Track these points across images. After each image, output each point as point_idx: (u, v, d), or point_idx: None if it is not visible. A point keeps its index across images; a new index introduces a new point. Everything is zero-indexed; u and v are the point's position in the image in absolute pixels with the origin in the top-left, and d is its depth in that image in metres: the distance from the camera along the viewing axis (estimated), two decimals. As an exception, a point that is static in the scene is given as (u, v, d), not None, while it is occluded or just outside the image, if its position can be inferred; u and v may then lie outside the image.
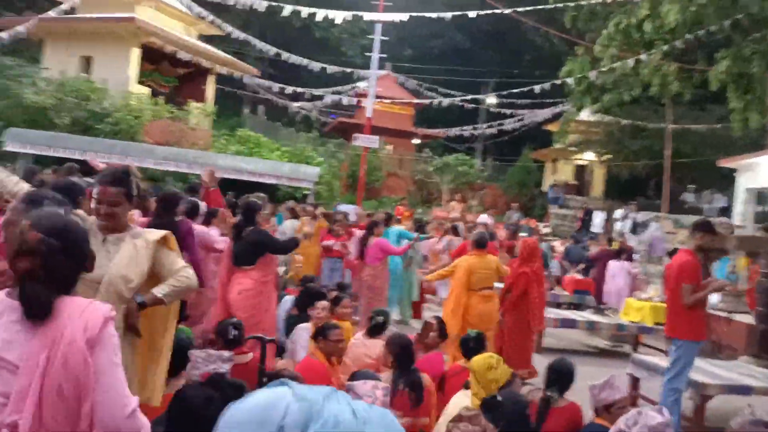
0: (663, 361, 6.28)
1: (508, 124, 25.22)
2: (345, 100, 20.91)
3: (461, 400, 3.53)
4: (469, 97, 23.19)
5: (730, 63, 14.22)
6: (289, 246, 5.89)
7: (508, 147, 30.48)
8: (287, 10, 17.67)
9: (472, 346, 4.60)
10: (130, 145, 13.77)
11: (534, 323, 6.58)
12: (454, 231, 12.38)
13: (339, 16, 17.37)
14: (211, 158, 13.99)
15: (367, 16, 17.76)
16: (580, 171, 28.21)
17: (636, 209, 17.85)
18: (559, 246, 15.17)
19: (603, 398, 3.69)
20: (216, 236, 5.79)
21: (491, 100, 31.74)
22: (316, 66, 20.80)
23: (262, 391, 1.67)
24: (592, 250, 13.32)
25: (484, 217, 17.33)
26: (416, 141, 30.06)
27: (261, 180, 13.30)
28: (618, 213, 17.55)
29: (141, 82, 18.75)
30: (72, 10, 16.37)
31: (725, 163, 14.68)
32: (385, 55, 22.52)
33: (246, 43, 20.29)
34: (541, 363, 6.97)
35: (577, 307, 11.67)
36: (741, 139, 17.69)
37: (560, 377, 4.11)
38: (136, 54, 18.02)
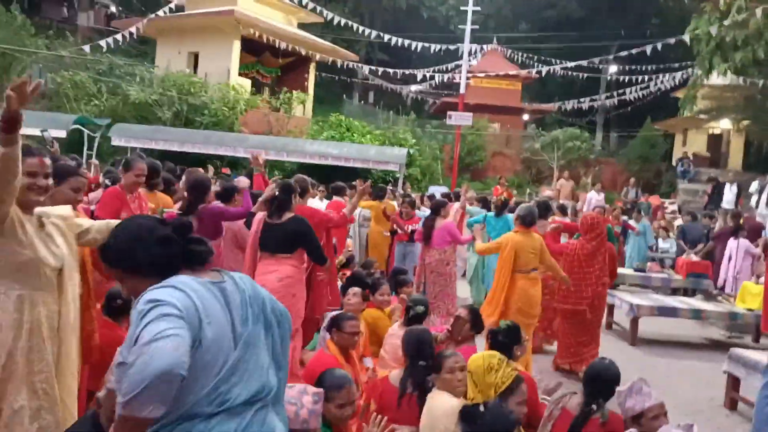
0: (769, 358, 5.24)
1: (631, 94, 23.32)
2: (436, 79, 20.22)
3: (447, 401, 2.95)
4: (575, 64, 21.54)
5: None
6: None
7: (631, 119, 28.18)
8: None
9: (501, 339, 3.96)
10: (225, 136, 14.15)
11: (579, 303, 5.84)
12: (562, 211, 11.48)
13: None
14: (299, 145, 14.07)
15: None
16: (715, 141, 25.44)
17: (774, 181, 15.62)
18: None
19: (630, 407, 2.98)
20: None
21: (612, 68, 29.60)
22: (418, 45, 20.38)
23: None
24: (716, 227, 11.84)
25: (592, 195, 16.01)
26: (526, 117, 28.63)
27: (347, 164, 13.11)
28: (754, 186, 15.44)
29: (244, 74, 19.30)
30: (179, 9, 17.17)
31: None
32: (489, 31, 21.52)
33: (350, 29, 20.26)
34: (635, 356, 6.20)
35: (692, 292, 10.40)
36: None
37: (602, 384, 3.40)
38: (236, 46, 18.56)
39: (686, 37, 15.49)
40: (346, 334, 4.11)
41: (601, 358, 3.61)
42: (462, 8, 18.67)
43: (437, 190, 13.27)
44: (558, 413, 3.49)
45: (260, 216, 5.00)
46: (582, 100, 24.91)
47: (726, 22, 14.44)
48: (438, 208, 7.69)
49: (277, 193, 4.92)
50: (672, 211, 18.86)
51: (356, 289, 5.14)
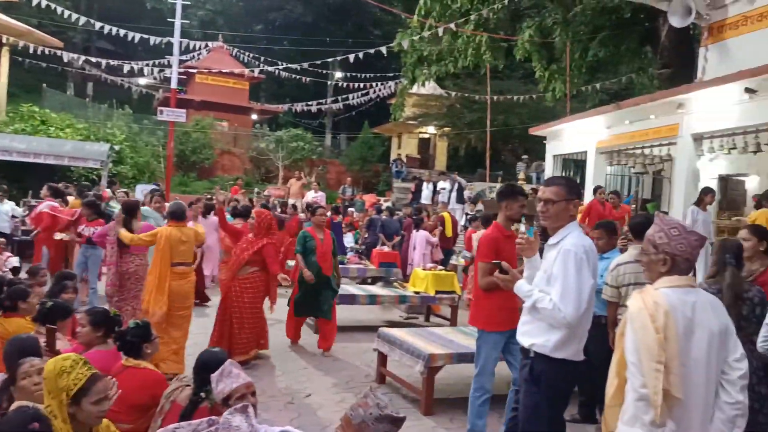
0: (408, 335, 5.98)
1: (354, 99, 24.83)
2: (164, 74, 19.27)
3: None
4: (297, 66, 22.30)
5: (532, 32, 14.51)
6: None
7: (358, 122, 30.20)
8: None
9: (130, 338, 3.86)
10: None
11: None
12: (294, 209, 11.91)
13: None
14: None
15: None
16: (424, 144, 28.48)
17: (461, 180, 18.05)
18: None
19: (221, 390, 3.12)
20: None
21: (338, 74, 31.30)
22: (135, 36, 19.10)
23: None
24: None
25: (311, 193, 16.75)
26: (255, 117, 28.84)
27: (37, 161, 11.75)
28: (442, 184, 17.64)
29: None
30: None
31: (535, 131, 15.06)
32: (218, 28, 20.98)
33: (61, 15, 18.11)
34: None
35: (383, 280, 11.44)
36: (557, 108, 18.45)
37: (209, 372, 3.50)
38: None
39: (383, 49, 16.88)
40: None
41: (210, 349, 3.73)
42: (183, 2, 18.05)
43: (145, 189, 12.60)
44: (169, 406, 3.53)
45: None
46: (310, 103, 25.91)
47: (416, 38, 16.06)
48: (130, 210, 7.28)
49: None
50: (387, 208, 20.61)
51: None
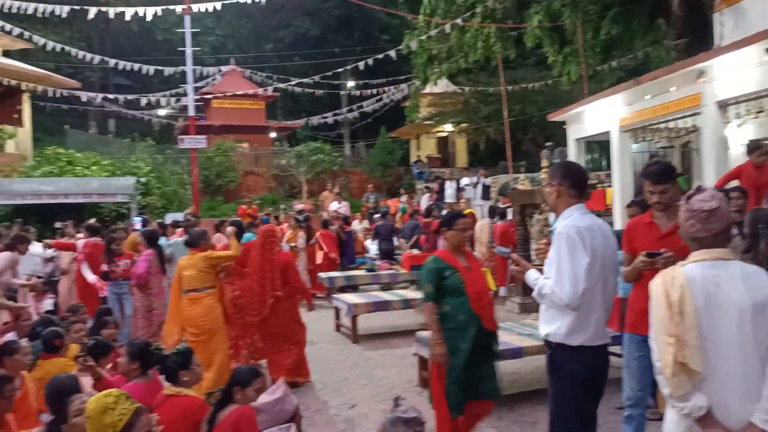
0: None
1: (368, 107, 24.87)
2: (181, 102, 19.55)
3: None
4: (309, 80, 22.44)
5: (541, 17, 14.35)
6: None
7: (375, 130, 30.23)
8: (92, 12, 16.31)
9: (170, 364, 3.89)
10: None
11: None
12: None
13: (149, 12, 16.12)
14: (5, 185, 12.51)
15: (176, 8, 16.57)
16: (443, 143, 28.38)
17: (485, 174, 17.89)
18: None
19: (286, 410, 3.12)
20: None
21: (350, 83, 31.40)
22: (149, 69, 19.48)
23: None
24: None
25: (334, 204, 16.76)
26: (274, 134, 29.06)
27: (67, 201, 11.99)
28: (465, 180, 17.51)
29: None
30: None
31: (553, 117, 14.85)
32: (229, 52, 21.23)
33: (75, 56, 18.53)
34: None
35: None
36: (574, 92, 18.19)
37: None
38: None
39: (392, 53, 16.87)
40: (3, 398, 3.68)
41: None
42: (193, 30, 18.27)
43: (174, 217, 12.77)
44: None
45: None
46: (326, 115, 26.05)
47: (424, 37, 16.02)
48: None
49: None
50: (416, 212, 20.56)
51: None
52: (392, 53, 18.09)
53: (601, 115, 12.65)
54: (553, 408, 3.22)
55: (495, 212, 11.04)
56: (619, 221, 11.80)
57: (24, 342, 5.06)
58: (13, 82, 17.49)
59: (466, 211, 13.22)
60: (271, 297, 5.98)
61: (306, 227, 11.90)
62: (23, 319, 5.99)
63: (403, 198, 19.20)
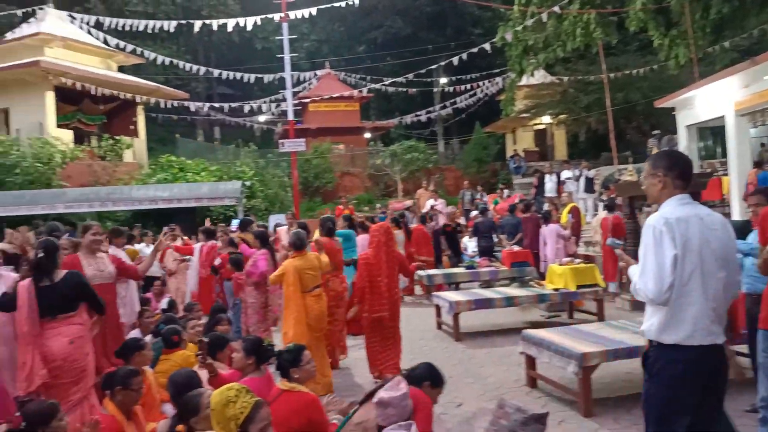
0: (555, 335, 5.73)
1: (462, 102, 24.66)
2: (280, 107, 20.26)
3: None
4: (402, 79, 22.46)
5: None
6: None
7: (470, 125, 29.91)
8: (197, 25, 17.23)
9: (282, 360, 4.01)
10: (39, 193, 13.24)
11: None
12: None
13: (249, 21, 16.80)
14: (125, 192, 13.47)
15: (274, 16, 17.16)
16: (540, 136, 27.59)
17: (588, 167, 17.21)
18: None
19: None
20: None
21: (443, 80, 31.24)
22: (251, 77, 20.33)
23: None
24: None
25: (430, 201, 16.69)
26: (368, 135, 29.43)
27: (180, 206, 12.74)
28: (565, 173, 16.92)
29: (65, 125, 18.17)
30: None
31: (661, 103, 14.06)
32: (324, 56, 21.72)
33: (183, 68, 19.78)
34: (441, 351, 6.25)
35: (518, 280, 11.08)
36: (683, 76, 17.14)
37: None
38: (50, 97, 17.46)
39: (486, 46, 16.58)
40: (132, 391, 3.93)
41: None
42: (290, 36, 18.90)
43: (277, 219, 13.22)
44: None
45: (26, 283, 4.68)
46: (419, 113, 26.06)
47: (519, 28, 15.64)
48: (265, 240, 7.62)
49: (40, 256, 4.64)
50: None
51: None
52: (486, 46, 17.79)
53: (714, 99, 11.85)
54: (645, 409, 2.97)
55: (613, 207, 10.51)
56: (737, 211, 11.00)
57: (148, 338, 5.42)
58: (129, 96, 18.80)
59: (570, 206, 12.82)
60: (397, 292, 6.12)
61: (403, 226, 11.95)
62: (146, 317, 6.40)
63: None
